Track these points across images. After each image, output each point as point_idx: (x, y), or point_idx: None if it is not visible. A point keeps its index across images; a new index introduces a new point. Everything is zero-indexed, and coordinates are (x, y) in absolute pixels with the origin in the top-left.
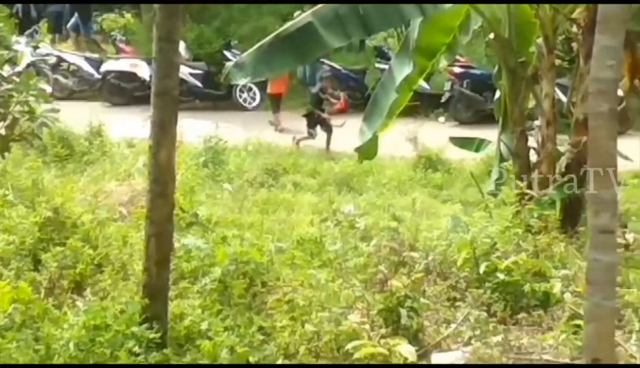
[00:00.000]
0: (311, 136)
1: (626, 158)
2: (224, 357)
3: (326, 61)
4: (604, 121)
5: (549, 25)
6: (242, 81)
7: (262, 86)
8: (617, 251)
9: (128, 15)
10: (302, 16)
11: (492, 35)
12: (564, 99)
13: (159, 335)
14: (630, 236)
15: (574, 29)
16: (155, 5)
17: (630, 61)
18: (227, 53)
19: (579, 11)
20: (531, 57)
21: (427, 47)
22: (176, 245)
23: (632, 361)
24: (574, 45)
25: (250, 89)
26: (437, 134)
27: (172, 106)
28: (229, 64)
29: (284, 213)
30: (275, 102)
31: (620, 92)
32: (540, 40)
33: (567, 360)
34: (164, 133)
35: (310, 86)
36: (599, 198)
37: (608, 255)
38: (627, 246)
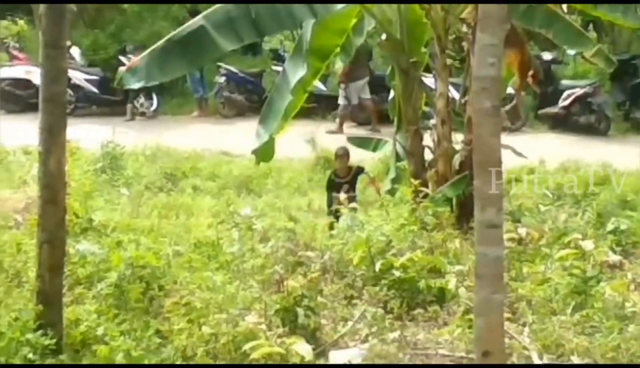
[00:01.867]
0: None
1: (520, 154)
2: (120, 361)
3: (223, 64)
4: (487, 117)
5: (441, 26)
6: (135, 86)
7: (159, 90)
8: (508, 243)
9: (21, 22)
10: (195, 20)
11: (384, 37)
12: (457, 97)
13: (54, 341)
14: (522, 231)
15: (464, 28)
16: (41, 12)
17: (520, 59)
18: (122, 58)
19: (468, 11)
20: (423, 57)
21: (321, 49)
22: (71, 250)
23: (525, 353)
24: (465, 44)
25: (147, 94)
26: (335, 135)
27: (61, 112)
28: (122, 69)
29: (182, 216)
30: None
31: (511, 90)
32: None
33: (462, 354)
34: (53, 139)
35: (195, 92)
36: (484, 193)
37: (494, 248)
38: (519, 241)
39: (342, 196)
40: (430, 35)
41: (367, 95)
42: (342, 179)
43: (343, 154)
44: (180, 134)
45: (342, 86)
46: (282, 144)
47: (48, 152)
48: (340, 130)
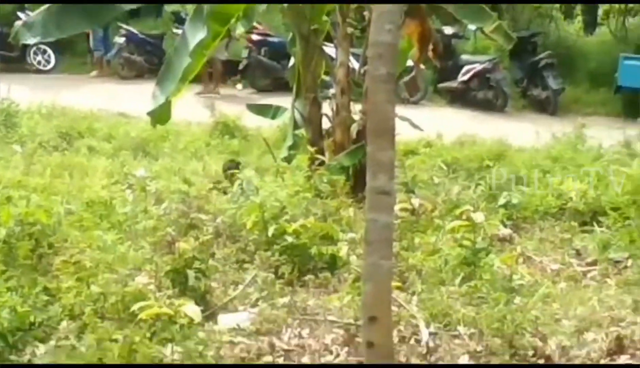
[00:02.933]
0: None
1: (417, 127)
2: (5, 317)
3: (123, 25)
4: (382, 84)
5: None
6: (31, 41)
7: (56, 48)
8: (400, 213)
9: None
10: None
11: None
12: (357, 68)
13: None
14: (415, 202)
15: None
16: None
17: (421, 31)
18: (21, 14)
19: None
20: (324, 25)
21: (222, 13)
22: None
23: (413, 321)
24: (366, 14)
25: (44, 51)
26: (234, 101)
27: None
28: (18, 24)
29: (76, 176)
30: None
31: (410, 62)
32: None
33: (350, 321)
34: None
35: (96, 51)
36: (377, 160)
37: (385, 215)
38: (412, 211)
39: None
40: (333, 4)
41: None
42: None
43: None
44: (78, 94)
45: None
46: (181, 108)
47: None
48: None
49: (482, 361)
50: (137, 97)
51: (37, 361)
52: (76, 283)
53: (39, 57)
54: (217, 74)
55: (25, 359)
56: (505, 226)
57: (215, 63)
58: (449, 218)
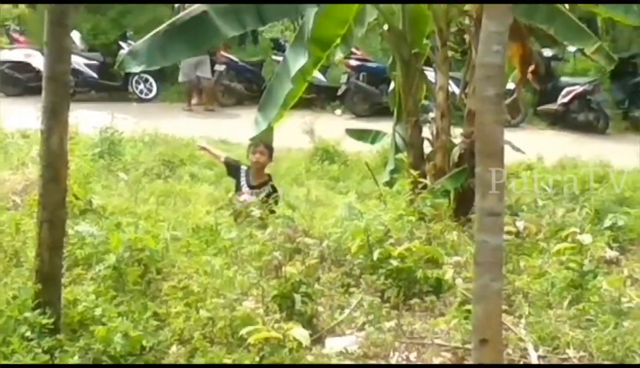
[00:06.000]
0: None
1: (518, 149)
2: (118, 342)
3: (223, 53)
4: (490, 105)
5: (443, 18)
6: (136, 69)
7: (158, 76)
8: (505, 235)
9: (22, 5)
10: (198, 5)
11: (386, 27)
12: (457, 91)
13: (52, 320)
14: (520, 224)
15: (467, 21)
16: None
17: (522, 53)
18: (122, 44)
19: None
20: (425, 48)
21: (322, 38)
22: (70, 232)
23: (521, 344)
24: (467, 37)
25: (146, 80)
26: (333, 126)
27: (64, 91)
28: (123, 52)
29: (180, 203)
30: None
31: (511, 85)
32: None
33: (458, 344)
34: (55, 118)
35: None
36: (486, 181)
37: (495, 236)
38: (517, 234)
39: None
40: (433, 27)
41: (206, 74)
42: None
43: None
44: (179, 122)
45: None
46: (281, 134)
47: (50, 130)
48: (189, 107)
49: None
50: (237, 124)
51: None
52: (185, 308)
53: (141, 86)
54: (207, 91)
55: None
56: (611, 248)
57: (201, 81)
58: (554, 241)
